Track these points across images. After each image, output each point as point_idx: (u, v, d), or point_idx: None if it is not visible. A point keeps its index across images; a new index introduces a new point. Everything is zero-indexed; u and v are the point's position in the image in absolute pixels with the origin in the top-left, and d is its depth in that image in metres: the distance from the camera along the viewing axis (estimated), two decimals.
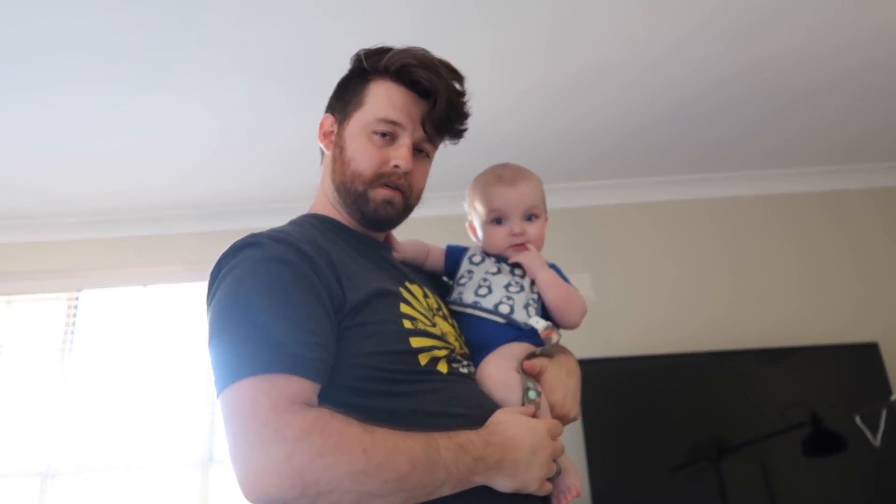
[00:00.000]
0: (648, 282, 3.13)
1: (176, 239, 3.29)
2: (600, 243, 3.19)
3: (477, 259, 1.24)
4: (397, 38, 2.22)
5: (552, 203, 1.37)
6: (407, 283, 1.12)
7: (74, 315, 3.24)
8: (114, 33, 2.15)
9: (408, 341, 1.00)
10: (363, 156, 1.12)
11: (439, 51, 2.46)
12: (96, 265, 3.27)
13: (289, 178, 3.06)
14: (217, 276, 1.02)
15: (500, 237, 1.21)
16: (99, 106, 2.50)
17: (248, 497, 0.86)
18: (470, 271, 1.23)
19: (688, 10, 2.18)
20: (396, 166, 1.11)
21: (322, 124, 1.21)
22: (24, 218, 3.26)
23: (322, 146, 1.21)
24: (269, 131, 2.72)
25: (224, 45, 2.24)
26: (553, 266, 1.23)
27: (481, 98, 2.56)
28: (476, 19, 2.18)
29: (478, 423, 0.99)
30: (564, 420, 1.11)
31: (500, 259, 1.23)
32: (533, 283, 1.19)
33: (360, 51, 1.20)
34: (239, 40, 2.22)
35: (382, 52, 1.17)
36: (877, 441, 2.42)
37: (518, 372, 1.09)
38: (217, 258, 1.04)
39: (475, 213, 1.26)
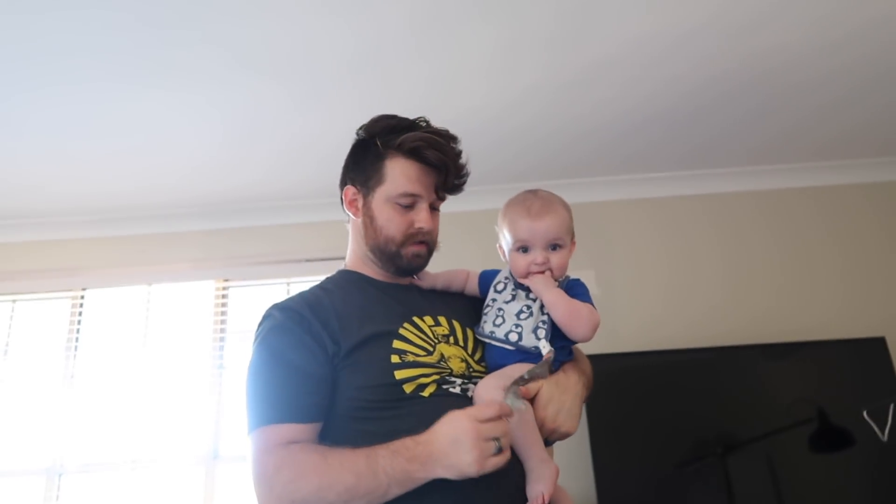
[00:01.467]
0: (653, 277, 3.12)
1: (181, 237, 3.30)
2: (604, 239, 3.18)
3: (500, 287, 1.36)
4: (400, 34, 2.22)
5: None
6: (414, 318, 1.31)
7: (79, 314, 3.25)
8: (117, 31, 2.15)
9: (392, 375, 1.21)
10: (392, 224, 1.36)
11: (441, 47, 2.45)
12: (101, 264, 3.28)
13: (293, 175, 3.06)
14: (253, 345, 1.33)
15: (523, 265, 1.32)
16: (103, 104, 2.50)
17: None
18: (494, 299, 1.35)
19: (690, 5, 2.17)
20: (421, 228, 1.35)
21: (346, 194, 1.44)
22: (28, 217, 3.27)
23: (349, 213, 1.44)
24: (273, 129, 2.71)
25: (228, 42, 2.23)
26: (575, 282, 1.33)
27: (483, 94, 2.59)
28: (477, 15, 2.17)
29: None
30: (556, 434, 1.22)
31: (518, 285, 1.33)
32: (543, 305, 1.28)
33: (369, 130, 1.41)
34: (243, 37, 2.22)
35: (392, 131, 1.37)
36: (884, 436, 2.40)
37: (503, 389, 1.17)
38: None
39: (503, 239, 1.36)
